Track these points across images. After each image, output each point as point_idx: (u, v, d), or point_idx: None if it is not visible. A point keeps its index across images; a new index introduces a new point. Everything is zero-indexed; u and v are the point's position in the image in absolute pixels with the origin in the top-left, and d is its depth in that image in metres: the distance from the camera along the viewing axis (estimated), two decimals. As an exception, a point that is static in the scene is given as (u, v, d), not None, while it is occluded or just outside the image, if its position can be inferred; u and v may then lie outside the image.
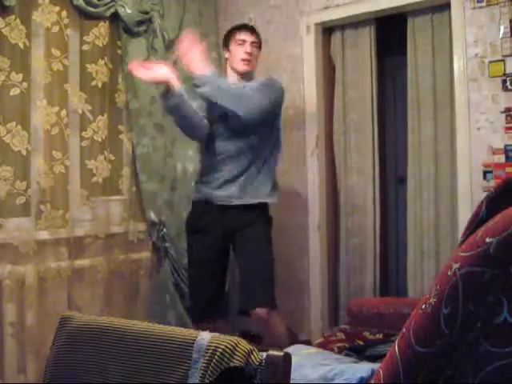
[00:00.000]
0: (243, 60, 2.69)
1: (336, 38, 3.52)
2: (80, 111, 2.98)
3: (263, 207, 2.71)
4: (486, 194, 1.14)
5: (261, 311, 2.53)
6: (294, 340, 2.78)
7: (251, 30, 2.78)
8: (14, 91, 2.67)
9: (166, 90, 2.55)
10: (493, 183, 2.75)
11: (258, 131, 2.64)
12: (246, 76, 2.73)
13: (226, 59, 2.81)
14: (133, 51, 3.21)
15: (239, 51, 2.69)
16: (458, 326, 0.90)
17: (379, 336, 2.25)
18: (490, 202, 1.08)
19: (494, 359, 0.89)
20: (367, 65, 3.41)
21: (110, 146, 3.10)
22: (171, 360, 1.11)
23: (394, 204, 4.53)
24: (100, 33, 3.03)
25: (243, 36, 2.72)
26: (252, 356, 1.06)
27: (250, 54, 2.69)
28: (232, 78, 2.75)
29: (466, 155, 2.86)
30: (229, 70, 2.78)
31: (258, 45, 2.77)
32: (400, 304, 2.34)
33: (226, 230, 2.67)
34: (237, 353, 1.06)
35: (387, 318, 2.31)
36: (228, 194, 2.65)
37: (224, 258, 2.77)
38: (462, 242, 1.03)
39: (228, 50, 2.78)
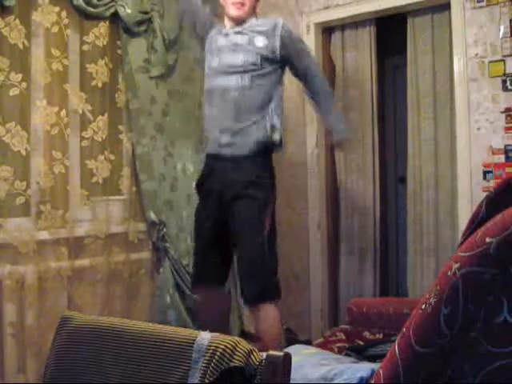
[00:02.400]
0: (234, 4, 2.56)
1: (336, 38, 3.52)
2: (80, 111, 2.97)
3: (260, 160, 2.54)
4: (485, 194, 1.14)
5: (255, 308, 2.46)
6: (294, 340, 2.78)
7: None
8: (14, 91, 2.67)
9: None
10: (493, 183, 2.75)
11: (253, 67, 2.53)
12: (239, 21, 2.60)
13: (220, 5, 2.74)
14: (133, 51, 3.21)
15: (229, 8, 2.58)
16: (458, 325, 0.90)
17: (379, 336, 2.25)
18: (490, 202, 1.08)
19: (494, 359, 0.89)
20: (367, 65, 3.42)
21: (110, 146, 3.09)
22: (171, 360, 1.11)
23: (393, 204, 4.54)
24: (100, 33, 3.02)
25: None
26: (252, 356, 1.06)
27: (239, 4, 2.55)
28: (228, 25, 2.67)
29: (465, 155, 2.87)
30: (225, 18, 2.70)
31: None
32: (400, 304, 2.34)
33: (222, 195, 2.54)
34: (237, 353, 1.06)
35: (387, 318, 2.31)
36: (221, 142, 2.55)
37: (225, 228, 2.58)
38: (462, 242, 1.03)
39: None
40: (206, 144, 2.71)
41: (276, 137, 2.54)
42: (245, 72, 2.52)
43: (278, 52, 2.56)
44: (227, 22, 2.70)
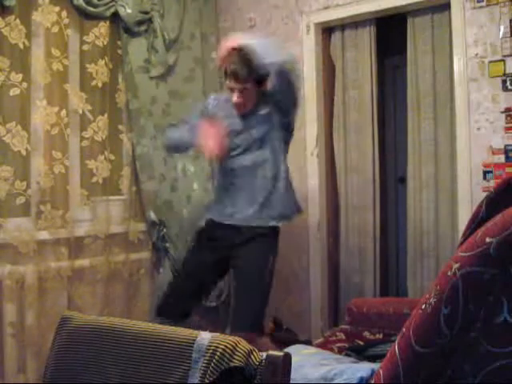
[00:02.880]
0: (235, 104, 2.58)
1: (336, 38, 3.52)
2: (80, 111, 2.98)
3: (270, 228, 2.61)
4: (485, 194, 1.14)
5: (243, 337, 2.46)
6: (294, 340, 2.77)
7: (236, 76, 2.52)
8: (14, 91, 2.67)
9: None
10: (493, 183, 2.75)
11: (269, 141, 2.60)
12: (248, 112, 2.63)
13: None
14: (133, 51, 3.21)
15: (231, 97, 2.58)
16: (458, 325, 0.90)
17: (379, 336, 2.25)
18: (490, 203, 1.08)
19: (494, 359, 0.89)
20: (367, 65, 3.41)
21: (110, 146, 3.09)
22: (171, 360, 1.11)
23: (393, 204, 4.53)
24: (100, 33, 3.03)
25: (230, 84, 2.56)
26: (252, 356, 1.06)
27: (239, 100, 2.55)
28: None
29: (466, 155, 2.86)
30: None
31: (247, 86, 2.52)
32: (400, 304, 2.34)
33: (226, 243, 2.62)
34: (237, 353, 1.06)
35: (387, 318, 2.31)
36: (242, 216, 2.60)
37: (217, 269, 2.70)
38: (462, 242, 1.03)
39: None
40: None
41: None
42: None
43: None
44: None
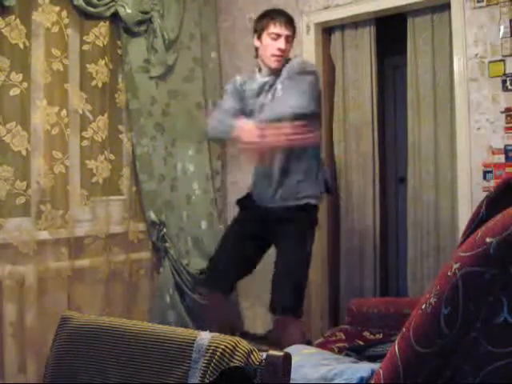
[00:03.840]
0: (274, 56, 2.50)
1: (336, 38, 3.52)
2: (80, 111, 2.98)
3: (306, 208, 2.58)
4: (485, 194, 1.14)
5: (280, 320, 2.49)
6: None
7: (287, 21, 2.52)
8: (14, 91, 2.67)
9: None
10: (493, 183, 2.75)
11: None
12: (274, 70, 2.55)
13: (256, 48, 2.61)
14: (133, 51, 3.21)
15: (272, 46, 2.49)
16: (458, 325, 0.90)
17: (379, 336, 2.24)
18: (490, 203, 1.08)
19: (494, 359, 0.89)
20: (367, 65, 3.41)
21: (110, 146, 3.09)
22: (171, 360, 1.11)
23: (394, 204, 4.54)
24: (100, 33, 3.03)
25: (278, 29, 2.48)
26: (252, 356, 1.06)
27: (283, 50, 2.50)
28: (263, 70, 2.60)
29: (466, 155, 2.86)
30: (260, 61, 2.61)
31: (292, 37, 2.55)
32: (400, 304, 2.34)
33: (268, 221, 2.60)
34: (237, 353, 1.06)
35: (387, 317, 2.31)
36: (273, 197, 2.60)
37: (259, 242, 2.67)
38: (462, 242, 1.03)
39: (259, 39, 2.57)
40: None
41: None
42: None
43: None
44: (261, 66, 2.62)
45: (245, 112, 2.60)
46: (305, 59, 2.85)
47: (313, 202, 2.60)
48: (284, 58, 2.54)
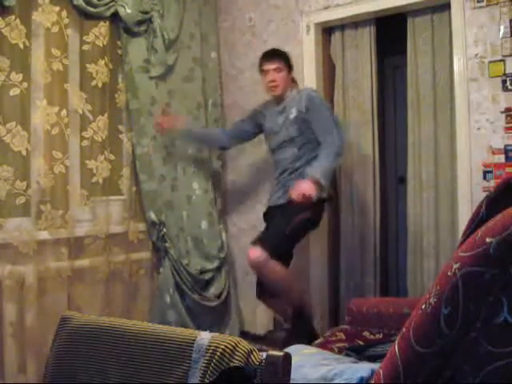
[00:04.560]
0: (270, 88, 3.05)
1: (336, 38, 3.52)
2: (80, 111, 2.98)
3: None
4: (485, 194, 1.14)
5: (253, 250, 2.85)
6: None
7: (270, 56, 3.05)
8: (14, 91, 2.67)
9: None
10: (493, 183, 2.75)
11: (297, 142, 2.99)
12: (279, 97, 3.07)
13: None
14: (133, 51, 3.21)
15: (265, 81, 3.06)
16: (458, 325, 0.90)
17: (379, 336, 2.24)
18: (490, 203, 1.08)
19: (494, 359, 0.89)
20: (367, 65, 3.41)
21: (110, 146, 3.09)
22: (171, 360, 1.11)
23: (394, 204, 4.53)
24: (100, 33, 3.03)
25: (265, 66, 3.04)
26: (252, 356, 1.06)
27: (273, 81, 3.01)
28: (270, 99, 3.14)
29: (466, 155, 2.86)
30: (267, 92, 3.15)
31: (281, 67, 3.02)
32: (400, 304, 2.34)
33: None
34: (237, 353, 1.06)
35: (387, 317, 2.31)
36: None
37: None
38: (462, 242, 1.03)
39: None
40: None
41: None
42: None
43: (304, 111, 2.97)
44: (269, 96, 3.15)
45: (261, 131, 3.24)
46: (311, 91, 3.12)
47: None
48: (279, 86, 3.02)
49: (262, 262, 2.83)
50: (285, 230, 2.89)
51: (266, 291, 3.03)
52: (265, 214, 3.19)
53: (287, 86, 3.05)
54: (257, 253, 2.83)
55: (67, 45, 2.89)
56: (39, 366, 2.58)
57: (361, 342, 2.18)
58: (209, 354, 1.07)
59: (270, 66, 3.01)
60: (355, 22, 3.41)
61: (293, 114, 2.98)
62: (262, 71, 3.06)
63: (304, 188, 2.72)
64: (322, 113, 2.95)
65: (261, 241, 2.90)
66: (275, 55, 3.07)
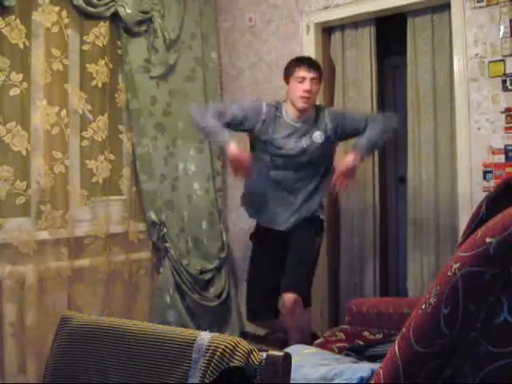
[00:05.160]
0: (302, 98, 2.71)
1: (336, 38, 3.52)
2: (80, 111, 2.98)
3: (314, 219, 2.88)
4: (485, 194, 1.14)
5: (288, 296, 2.67)
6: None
7: (311, 65, 2.76)
8: (14, 91, 2.67)
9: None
10: (493, 183, 2.75)
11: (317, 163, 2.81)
12: (303, 110, 2.76)
13: (287, 91, 2.83)
14: (133, 51, 3.21)
15: (298, 88, 2.71)
16: (458, 325, 0.90)
17: (379, 336, 2.24)
18: (490, 203, 1.08)
19: (494, 359, 0.89)
20: (367, 65, 3.41)
21: (110, 146, 3.09)
22: (171, 360, 1.11)
23: (394, 204, 4.53)
24: (100, 33, 3.03)
25: (302, 73, 2.71)
26: (252, 356, 1.06)
27: (309, 91, 2.71)
28: (290, 111, 2.79)
29: (466, 155, 2.86)
30: (288, 102, 2.81)
31: (318, 80, 2.77)
32: (400, 304, 2.34)
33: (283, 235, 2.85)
34: (237, 353, 1.06)
35: (387, 317, 2.31)
36: (290, 222, 2.85)
37: (281, 258, 2.84)
38: (462, 242, 1.03)
39: (287, 82, 2.80)
40: None
41: None
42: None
43: (333, 134, 2.80)
44: (289, 107, 2.80)
45: (256, 136, 2.83)
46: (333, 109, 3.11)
47: (321, 216, 2.92)
48: (311, 99, 2.75)
49: (299, 308, 2.70)
50: (309, 265, 2.80)
51: (259, 315, 2.95)
52: (261, 236, 2.96)
53: (314, 101, 2.85)
54: (293, 298, 2.66)
55: (67, 45, 2.89)
56: (39, 366, 2.58)
57: (361, 342, 2.18)
58: (209, 354, 1.07)
59: (309, 75, 2.71)
60: (355, 22, 3.41)
61: (319, 138, 2.78)
62: (296, 77, 2.73)
63: (348, 163, 2.63)
64: (350, 113, 2.89)
65: (291, 284, 2.71)
66: (316, 65, 2.80)
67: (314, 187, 2.83)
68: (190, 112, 2.92)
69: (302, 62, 2.78)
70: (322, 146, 2.78)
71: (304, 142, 2.77)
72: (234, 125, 2.77)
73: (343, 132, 2.81)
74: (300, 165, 2.78)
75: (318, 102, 3.01)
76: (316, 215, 2.88)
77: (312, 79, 2.72)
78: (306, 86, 2.69)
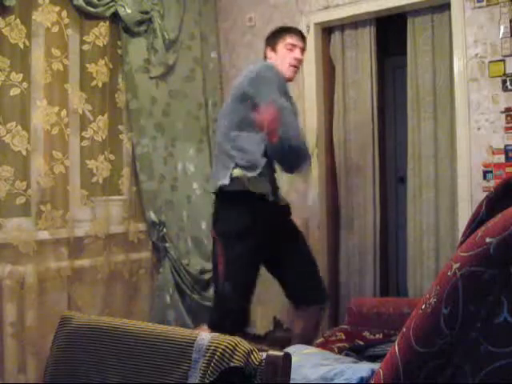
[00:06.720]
0: (292, 66, 2.56)
1: (336, 38, 3.52)
2: (80, 111, 2.98)
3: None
4: (486, 194, 1.14)
5: (318, 310, 2.62)
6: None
7: (302, 35, 2.66)
8: (14, 91, 2.67)
9: None
10: (493, 183, 2.75)
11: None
12: (290, 81, 2.60)
13: (265, 57, 2.65)
14: (133, 51, 3.21)
15: (289, 56, 2.55)
16: (458, 325, 0.90)
17: (379, 336, 2.25)
18: (490, 203, 1.08)
19: (494, 359, 0.89)
20: (367, 65, 3.41)
21: (110, 146, 3.10)
22: (171, 360, 1.11)
23: (394, 204, 4.53)
24: (100, 33, 3.03)
25: (294, 41, 2.57)
26: (252, 356, 1.06)
27: (300, 60, 2.59)
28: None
29: (466, 155, 2.86)
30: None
31: (304, 51, 2.65)
32: (400, 304, 2.34)
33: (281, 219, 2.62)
34: (237, 353, 1.06)
35: (387, 317, 2.31)
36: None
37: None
38: (462, 242, 1.03)
39: (273, 50, 2.61)
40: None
41: None
42: None
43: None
44: None
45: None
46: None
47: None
48: (298, 69, 2.61)
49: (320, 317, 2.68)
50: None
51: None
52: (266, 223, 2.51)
53: None
54: (318, 312, 2.64)
55: (67, 45, 2.89)
56: (39, 366, 2.58)
57: (361, 342, 2.18)
58: (209, 354, 1.07)
59: (300, 44, 2.58)
60: (355, 22, 3.41)
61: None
62: (287, 44, 2.56)
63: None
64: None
65: (318, 295, 2.64)
66: (303, 36, 2.67)
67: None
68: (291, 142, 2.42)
69: (292, 29, 2.65)
70: None
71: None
72: None
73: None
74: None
75: (317, 102, 3.02)
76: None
77: (302, 49, 2.60)
78: (298, 54, 2.56)
